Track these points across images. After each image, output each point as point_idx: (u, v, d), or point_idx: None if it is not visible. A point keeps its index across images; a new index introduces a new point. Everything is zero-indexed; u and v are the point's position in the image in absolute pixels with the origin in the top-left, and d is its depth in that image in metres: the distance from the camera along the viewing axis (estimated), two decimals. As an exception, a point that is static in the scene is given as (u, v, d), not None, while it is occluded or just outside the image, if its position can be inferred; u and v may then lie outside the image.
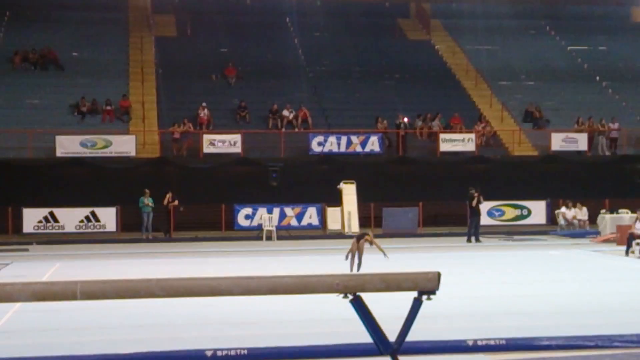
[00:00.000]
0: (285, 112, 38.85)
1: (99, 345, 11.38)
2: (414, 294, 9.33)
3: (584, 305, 15.21)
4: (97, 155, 34.73)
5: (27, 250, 28.97)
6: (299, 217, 34.78)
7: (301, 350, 10.91)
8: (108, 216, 33.67)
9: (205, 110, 38.08)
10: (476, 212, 30.90)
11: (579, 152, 38.58)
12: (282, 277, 9.34)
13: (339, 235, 32.39)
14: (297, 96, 40.84)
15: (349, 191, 33.07)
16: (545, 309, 14.78)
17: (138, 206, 32.97)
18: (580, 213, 34.60)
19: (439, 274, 9.20)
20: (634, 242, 24.72)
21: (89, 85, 40.00)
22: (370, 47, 46.81)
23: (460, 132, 38.58)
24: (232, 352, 10.55)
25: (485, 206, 32.58)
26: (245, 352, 10.59)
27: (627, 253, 24.66)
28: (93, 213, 33.51)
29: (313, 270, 18.71)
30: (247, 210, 34.35)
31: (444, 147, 37.57)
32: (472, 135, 37.91)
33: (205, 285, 9.03)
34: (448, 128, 39.19)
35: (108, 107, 38.11)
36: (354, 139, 36.71)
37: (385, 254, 19.70)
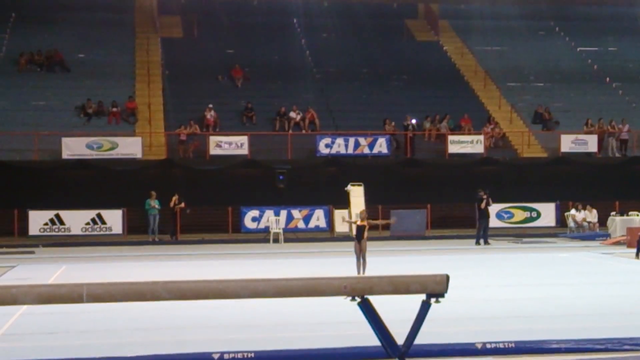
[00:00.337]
0: (293, 114, 38.78)
1: (105, 348, 11.31)
2: (422, 296, 9.26)
3: (594, 308, 15.09)
4: (103, 157, 34.69)
5: (33, 252, 28.93)
6: (306, 219, 34.71)
7: (309, 353, 10.83)
8: (114, 218, 33.63)
9: (212, 112, 38.03)
10: (485, 215, 30.76)
11: (589, 154, 38.44)
12: (290, 279, 9.27)
13: (347, 237, 32.28)
14: (305, 98, 40.79)
15: (356, 193, 32.98)
16: (554, 311, 14.67)
17: (144, 208, 32.93)
18: (590, 215, 34.45)
19: (447, 277, 9.14)
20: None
21: (95, 86, 40.02)
22: (378, 49, 46.76)
23: (469, 133, 38.48)
24: (239, 355, 10.46)
25: (494, 208, 32.45)
26: (252, 355, 10.51)
27: (637, 256, 24.49)
28: (99, 215, 33.47)
29: (320, 273, 18.67)
30: (254, 213, 34.28)
31: (453, 148, 37.46)
32: (481, 137, 37.80)
33: (212, 287, 8.97)
34: (457, 129, 39.08)
35: (114, 109, 38.09)
36: (362, 140, 36.62)
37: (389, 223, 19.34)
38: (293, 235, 33.47)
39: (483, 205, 30.58)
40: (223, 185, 35.35)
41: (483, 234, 30.66)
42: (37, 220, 32.97)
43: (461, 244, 31.05)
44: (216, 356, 10.45)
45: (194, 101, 39.64)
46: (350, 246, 19.51)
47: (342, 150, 36.37)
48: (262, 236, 33.06)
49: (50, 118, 37.80)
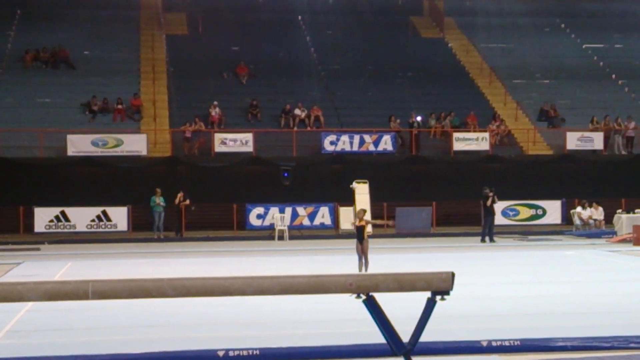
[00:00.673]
0: (298, 111, 38.77)
1: (111, 345, 11.32)
2: (428, 294, 9.24)
3: (600, 306, 15.06)
4: (108, 154, 34.72)
5: (38, 249, 28.98)
6: (311, 216, 34.70)
7: (314, 350, 10.82)
8: (119, 215, 33.66)
9: (217, 109, 38.04)
10: (490, 212, 30.72)
11: (595, 151, 38.38)
12: (295, 277, 9.26)
13: (352, 235, 32.23)
14: (310, 95, 40.79)
15: (361, 190, 32.94)
16: (560, 309, 14.65)
17: (149, 205, 32.96)
18: (596, 213, 34.40)
19: (452, 274, 9.11)
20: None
21: (100, 83, 40.07)
22: (383, 45, 46.72)
23: (474, 131, 38.43)
24: (244, 353, 10.46)
25: (499, 206, 32.44)
26: (257, 352, 10.50)
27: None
28: (104, 212, 33.50)
29: (325, 270, 18.65)
30: (259, 210, 34.28)
31: (458, 146, 37.42)
32: (486, 134, 37.76)
33: (217, 285, 8.95)
34: (462, 127, 39.05)
35: (119, 106, 38.11)
36: (367, 137, 36.59)
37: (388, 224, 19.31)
38: (298, 233, 33.47)
39: (489, 202, 30.54)
40: (228, 182, 35.36)
41: (488, 231, 30.63)
42: (43, 217, 33.01)
43: (466, 242, 31.01)
44: (221, 353, 10.44)
45: (199, 98, 39.65)
46: (355, 243, 19.47)
47: (347, 148, 36.36)
48: (267, 233, 33.08)
49: (55, 115, 37.85)
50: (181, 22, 47.75)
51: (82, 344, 11.56)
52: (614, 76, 45.69)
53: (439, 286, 9.10)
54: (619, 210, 33.13)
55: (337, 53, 45.82)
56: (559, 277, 19.75)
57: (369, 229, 19.29)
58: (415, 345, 9.35)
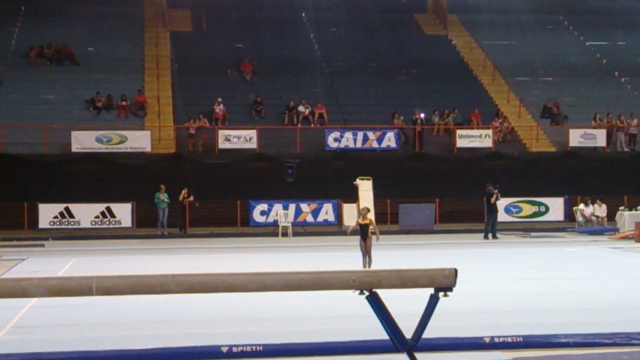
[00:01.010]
0: (301, 108, 38.79)
1: (115, 341, 11.36)
2: (431, 290, 9.27)
3: (602, 303, 15.09)
4: (112, 151, 34.76)
5: (42, 245, 29.03)
6: (315, 213, 34.71)
7: (317, 346, 10.85)
8: (123, 212, 33.67)
9: (221, 106, 38.06)
10: (494, 209, 30.75)
11: (597, 149, 38.36)
12: (298, 273, 9.29)
13: (355, 231, 32.26)
14: (313, 92, 40.79)
15: (365, 187, 32.93)
16: (562, 306, 14.68)
17: (153, 202, 32.99)
18: (599, 210, 34.40)
19: (455, 271, 9.14)
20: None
21: (105, 80, 40.11)
22: (387, 43, 46.71)
23: (478, 128, 38.43)
24: (248, 348, 10.50)
25: (502, 203, 32.45)
26: (261, 348, 10.54)
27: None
28: (108, 209, 33.52)
29: (329, 267, 18.70)
30: (263, 206, 34.29)
31: (461, 143, 37.43)
32: (489, 131, 37.75)
33: (220, 281, 8.99)
34: (465, 124, 39.04)
35: (123, 103, 38.15)
36: (370, 134, 36.60)
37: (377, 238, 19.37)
38: (301, 229, 33.50)
39: (493, 199, 30.56)
40: (232, 179, 35.39)
41: (491, 228, 30.65)
42: (47, 213, 33.04)
43: (469, 238, 31.05)
44: (225, 349, 10.48)
45: (203, 95, 39.67)
46: (358, 240, 19.52)
47: (351, 145, 36.37)
48: (271, 230, 33.11)
49: (59, 111, 37.89)
50: (185, 19, 47.76)
51: (86, 340, 11.61)
52: (616, 73, 45.65)
53: (442, 283, 9.13)
54: (622, 207, 33.14)
55: (341, 50, 45.82)
56: (561, 274, 19.77)
57: (371, 228, 19.31)
58: (418, 341, 9.38)
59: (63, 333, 12.34)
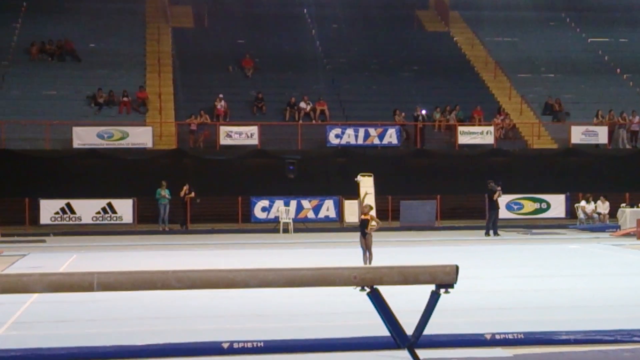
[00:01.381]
0: (303, 104, 38.79)
1: (116, 337, 11.36)
2: (432, 287, 9.27)
3: (603, 300, 15.08)
4: (113, 147, 34.78)
5: (44, 241, 29.06)
6: (316, 209, 34.72)
7: (318, 343, 10.85)
8: (125, 208, 33.70)
9: (222, 102, 38.07)
10: (495, 206, 30.76)
11: (599, 146, 38.34)
12: (299, 269, 9.29)
13: (356, 228, 32.28)
14: (315, 88, 40.79)
15: (366, 184, 32.96)
16: (564, 303, 14.67)
17: (155, 198, 33.02)
18: (602, 206, 34.39)
19: (456, 267, 9.15)
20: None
21: (106, 76, 40.10)
22: (389, 39, 46.69)
23: (479, 124, 38.41)
24: (249, 344, 10.49)
25: (503, 199, 32.45)
26: (262, 344, 10.54)
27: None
28: (110, 205, 33.54)
29: (330, 263, 18.69)
30: (264, 203, 34.31)
31: (463, 139, 37.42)
32: (491, 128, 37.75)
33: (221, 277, 8.99)
34: (466, 121, 39.03)
35: (125, 99, 38.15)
36: (372, 131, 36.59)
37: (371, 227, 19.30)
38: (303, 226, 33.51)
39: (496, 196, 30.57)
40: (233, 175, 35.40)
41: (493, 225, 30.66)
42: (48, 209, 33.07)
43: (471, 235, 31.05)
44: (226, 345, 10.48)
45: (205, 91, 39.68)
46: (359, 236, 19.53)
47: (352, 141, 36.36)
48: (272, 226, 33.13)
49: (61, 107, 37.89)
50: (187, 15, 47.77)
51: (87, 336, 11.61)
52: (618, 70, 45.63)
53: (443, 279, 9.14)
54: (623, 204, 33.15)
55: (343, 47, 45.81)
56: (563, 271, 19.77)
57: (372, 223, 19.31)
58: (419, 338, 9.39)
59: (64, 329, 12.35)
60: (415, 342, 9.37)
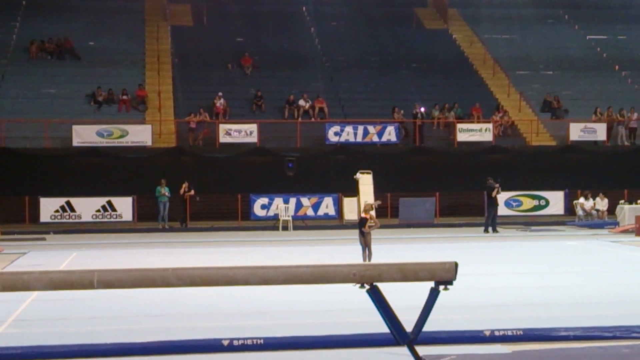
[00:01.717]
0: (302, 102, 38.80)
1: (116, 335, 11.39)
2: (431, 284, 9.30)
3: (602, 296, 15.13)
4: (113, 145, 34.77)
5: (44, 239, 29.10)
6: (315, 207, 34.73)
7: (317, 340, 10.89)
8: (124, 206, 33.70)
9: (222, 100, 38.08)
10: (494, 203, 30.79)
11: (598, 142, 38.36)
12: (299, 267, 9.32)
13: (356, 225, 32.29)
14: (314, 86, 40.78)
15: (365, 181, 32.98)
16: (562, 299, 14.71)
17: (154, 196, 33.02)
18: (601, 203, 34.41)
19: (456, 264, 9.17)
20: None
21: (106, 74, 40.08)
22: (387, 37, 46.70)
23: (478, 122, 38.43)
24: (249, 342, 10.53)
25: (502, 196, 32.44)
26: (262, 341, 10.57)
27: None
28: (109, 203, 33.54)
29: (329, 260, 18.73)
30: (263, 200, 34.31)
31: (461, 137, 37.42)
32: (490, 125, 37.75)
33: (221, 274, 9.02)
34: (465, 118, 39.04)
35: (124, 97, 38.15)
36: (371, 128, 36.60)
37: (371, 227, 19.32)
38: (302, 223, 33.52)
39: (494, 193, 30.59)
40: (232, 172, 35.40)
41: (492, 222, 30.69)
42: (48, 207, 33.07)
43: (470, 232, 31.08)
44: (226, 342, 10.51)
45: (204, 89, 39.67)
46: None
47: (351, 138, 36.37)
48: (271, 224, 33.14)
49: (60, 106, 37.90)
50: (186, 13, 47.75)
51: (88, 333, 11.65)
52: (617, 67, 45.62)
53: (442, 276, 9.17)
54: (622, 201, 33.15)
55: (341, 44, 45.80)
56: (562, 268, 19.81)
57: (370, 223, 19.32)
58: (418, 334, 9.41)
59: (64, 326, 12.39)
60: (414, 338, 9.40)
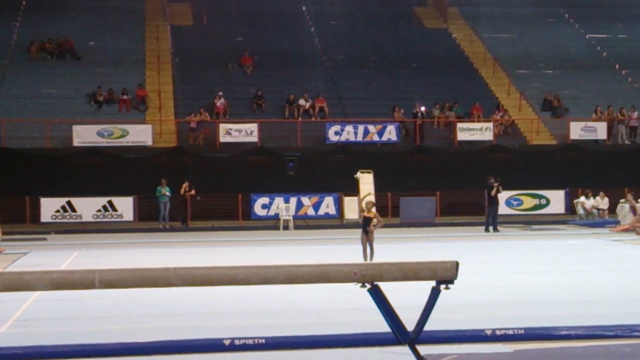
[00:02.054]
0: (302, 101, 38.81)
1: (117, 334, 11.39)
2: (432, 283, 9.30)
3: (604, 295, 15.13)
4: (113, 145, 34.78)
5: (45, 239, 29.10)
6: (316, 206, 34.73)
7: (319, 339, 10.88)
8: (125, 205, 33.71)
9: (222, 100, 38.08)
10: (495, 202, 30.80)
11: (598, 141, 38.35)
12: (300, 266, 9.32)
13: (357, 224, 32.31)
14: (314, 85, 40.80)
15: (366, 180, 33.01)
16: (564, 298, 14.71)
17: (155, 195, 33.03)
18: (601, 202, 34.42)
19: (457, 263, 9.17)
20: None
21: (106, 74, 40.10)
22: (387, 36, 46.70)
23: (478, 121, 38.43)
24: (250, 341, 10.52)
25: (503, 195, 32.45)
26: (263, 341, 10.57)
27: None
28: (110, 202, 33.55)
29: (330, 260, 18.74)
30: (264, 200, 34.31)
31: (462, 136, 37.43)
32: (490, 124, 37.75)
33: (222, 274, 9.02)
34: (465, 117, 39.04)
35: (124, 97, 38.17)
36: (371, 128, 36.59)
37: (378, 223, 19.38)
38: (303, 222, 33.53)
39: (494, 192, 30.60)
40: (233, 172, 35.41)
41: (492, 221, 30.69)
42: (49, 207, 33.08)
43: (470, 231, 31.08)
44: (227, 342, 10.51)
45: (204, 89, 39.69)
46: (359, 233, 19.58)
47: (352, 138, 36.37)
48: (272, 223, 33.15)
49: (61, 106, 37.91)
50: (186, 13, 47.77)
51: (89, 333, 11.65)
52: (617, 66, 45.62)
53: (444, 275, 9.16)
54: (622, 200, 33.15)
55: (341, 43, 45.82)
56: (563, 267, 19.81)
57: (374, 221, 19.34)
58: (419, 334, 9.41)
59: (66, 326, 12.39)
60: (416, 338, 9.40)
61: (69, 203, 33.23)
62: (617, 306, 13.74)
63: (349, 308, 13.28)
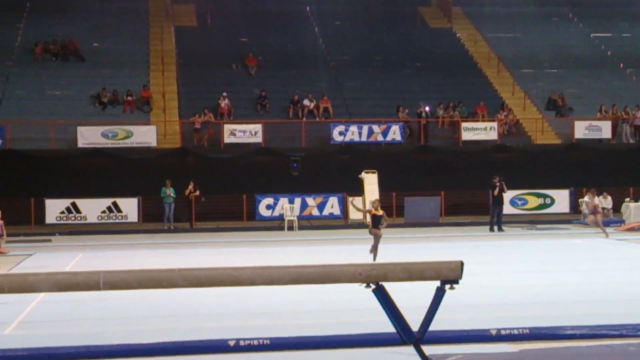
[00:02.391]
0: (306, 102, 38.79)
1: (122, 336, 11.41)
2: (437, 283, 9.30)
3: (609, 294, 15.11)
4: (118, 146, 34.79)
5: (49, 241, 29.13)
6: (321, 207, 34.71)
7: (324, 340, 10.89)
8: (130, 207, 33.71)
9: (226, 100, 38.09)
10: (499, 201, 30.77)
11: (603, 140, 38.30)
12: (304, 266, 9.33)
13: (361, 225, 32.32)
14: (318, 85, 40.78)
15: (370, 181, 32.99)
16: (569, 298, 14.70)
17: (160, 197, 33.04)
18: (605, 202, 34.37)
19: (461, 263, 9.17)
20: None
21: (110, 75, 40.12)
22: (391, 36, 46.67)
23: (483, 120, 38.40)
24: (255, 342, 10.54)
25: (508, 195, 32.42)
26: (268, 342, 10.58)
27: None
28: (115, 204, 33.55)
29: (335, 260, 18.73)
30: (269, 201, 34.30)
31: (466, 135, 37.39)
32: (494, 124, 37.71)
33: (227, 275, 9.03)
34: (469, 117, 39.02)
35: (129, 98, 38.18)
36: (375, 128, 36.57)
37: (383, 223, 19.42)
38: (307, 223, 33.52)
39: (497, 192, 30.59)
40: (237, 173, 35.39)
41: (497, 220, 30.66)
42: (54, 208, 33.10)
43: (475, 231, 31.05)
44: (232, 343, 10.52)
45: (208, 89, 39.69)
46: (364, 233, 19.57)
47: (356, 138, 36.35)
48: (277, 224, 33.15)
49: (65, 107, 37.94)
50: (190, 14, 47.79)
51: (94, 335, 11.66)
52: (621, 65, 45.55)
53: (448, 275, 9.17)
54: (627, 199, 33.12)
55: (345, 44, 45.80)
56: (568, 266, 19.79)
57: (382, 220, 19.35)
58: (424, 334, 9.41)
59: (70, 328, 12.40)
60: (421, 338, 9.40)
61: (73, 204, 33.25)
62: (622, 305, 13.72)
63: (354, 308, 13.28)
